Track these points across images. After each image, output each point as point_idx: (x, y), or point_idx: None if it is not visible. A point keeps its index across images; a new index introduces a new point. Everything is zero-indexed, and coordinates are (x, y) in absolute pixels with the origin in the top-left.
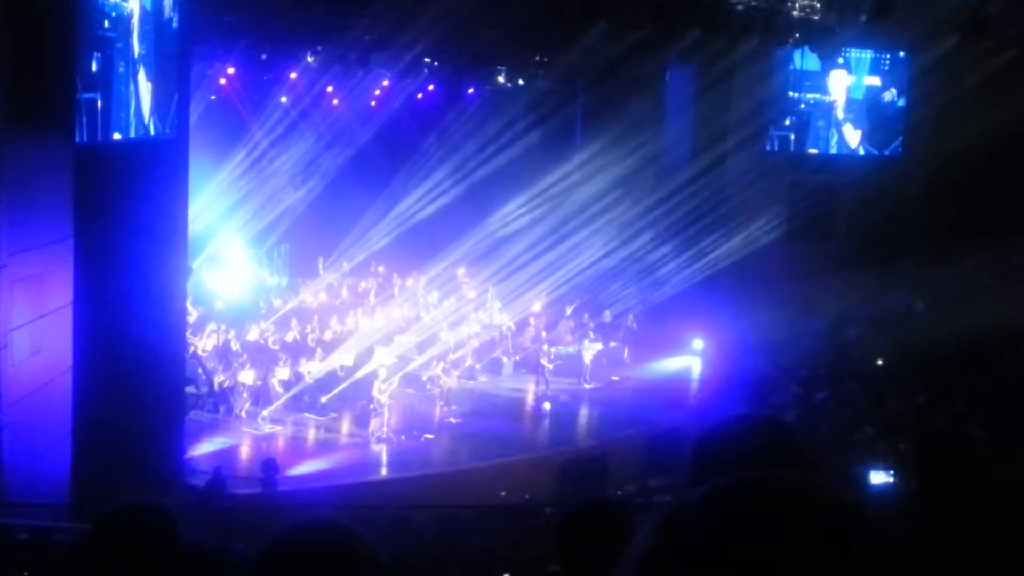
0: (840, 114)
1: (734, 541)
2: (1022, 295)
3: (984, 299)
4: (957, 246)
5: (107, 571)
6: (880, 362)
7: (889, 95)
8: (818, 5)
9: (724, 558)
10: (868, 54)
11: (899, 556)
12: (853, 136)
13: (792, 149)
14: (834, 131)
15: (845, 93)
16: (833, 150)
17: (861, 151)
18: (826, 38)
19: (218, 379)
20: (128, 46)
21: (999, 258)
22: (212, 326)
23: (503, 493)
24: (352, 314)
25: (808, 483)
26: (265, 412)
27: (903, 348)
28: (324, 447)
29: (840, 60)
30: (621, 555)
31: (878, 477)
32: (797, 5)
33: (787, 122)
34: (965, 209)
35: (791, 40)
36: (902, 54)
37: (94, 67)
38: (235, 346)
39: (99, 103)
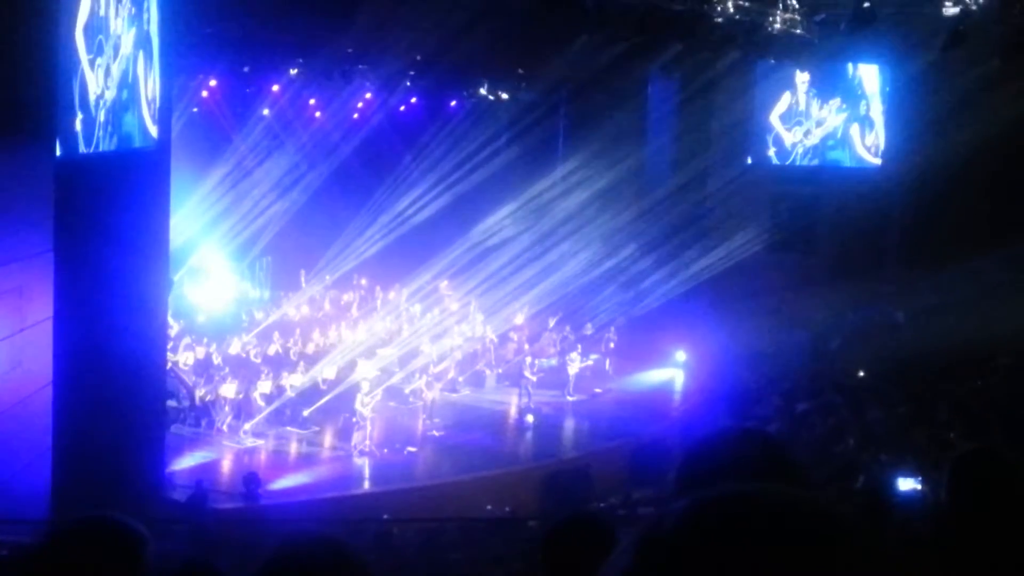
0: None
1: (714, 554)
2: (1001, 306)
3: (965, 310)
4: (938, 258)
5: None
6: (862, 373)
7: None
8: (799, 19)
9: (704, 571)
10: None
11: (888, 568)
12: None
13: (774, 162)
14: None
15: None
16: (815, 162)
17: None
18: (806, 51)
19: (200, 393)
20: (109, 58)
21: (980, 270)
22: (187, 340)
23: (489, 507)
24: (334, 327)
25: (791, 495)
26: (247, 426)
27: (885, 359)
28: (306, 461)
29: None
30: (602, 568)
31: (906, 484)
32: (778, 19)
33: (770, 139)
34: (946, 221)
35: (772, 53)
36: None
37: (75, 79)
38: (217, 359)
39: (80, 115)
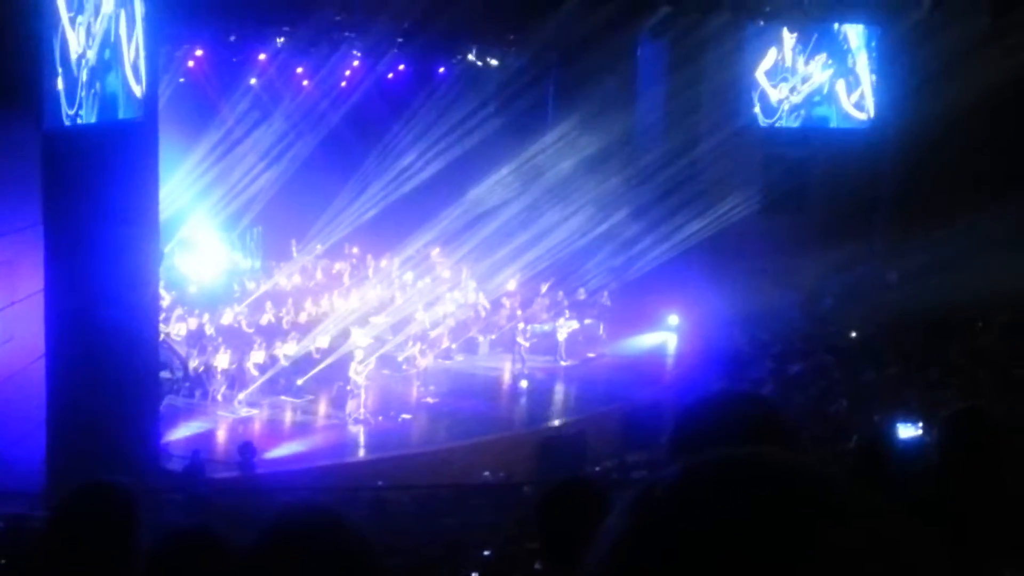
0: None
1: (709, 518)
2: (994, 264)
3: (957, 269)
4: (929, 217)
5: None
6: (854, 334)
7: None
8: None
9: (699, 535)
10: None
11: (887, 529)
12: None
13: (760, 120)
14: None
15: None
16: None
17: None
18: (796, 12)
19: (193, 363)
20: (91, 16)
21: (970, 228)
22: (179, 311)
23: (486, 473)
24: (327, 296)
25: (786, 459)
26: (241, 396)
27: (877, 319)
28: (301, 429)
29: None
30: (597, 532)
31: (906, 431)
32: None
33: (756, 96)
34: (936, 180)
35: (762, 14)
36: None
37: (60, 52)
38: (209, 330)
39: (66, 88)
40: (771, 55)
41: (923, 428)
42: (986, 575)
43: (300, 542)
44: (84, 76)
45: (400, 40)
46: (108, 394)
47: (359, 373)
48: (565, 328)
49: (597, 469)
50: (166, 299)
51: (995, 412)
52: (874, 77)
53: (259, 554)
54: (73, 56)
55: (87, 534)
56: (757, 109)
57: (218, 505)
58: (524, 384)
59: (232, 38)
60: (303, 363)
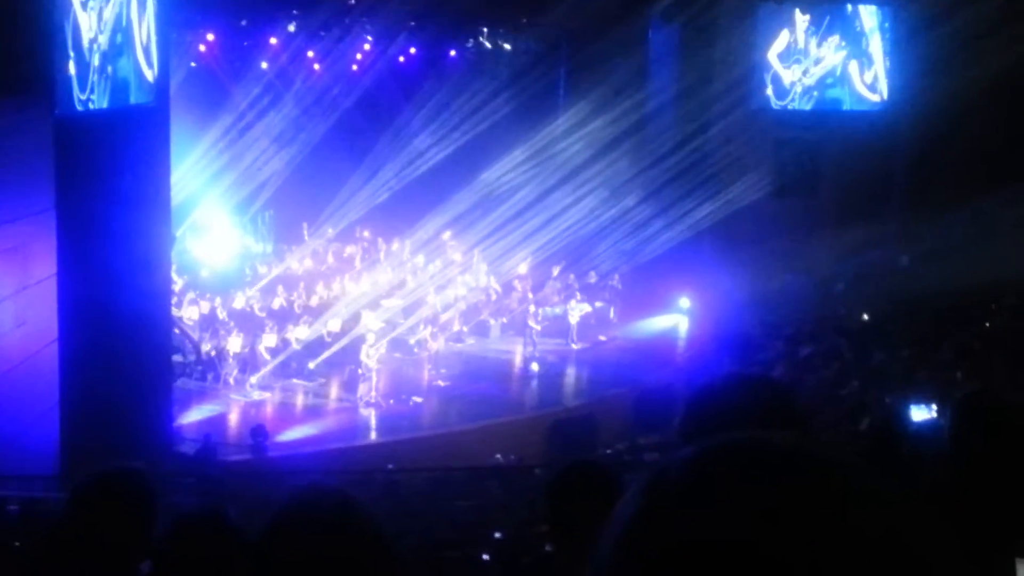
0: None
1: (721, 502)
2: (1005, 247)
3: (968, 252)
4: (941, 199)
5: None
6: (866, 316)
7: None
8: None
9: (712, 519)
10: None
11: (899, 516)
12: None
13: (772, 102)
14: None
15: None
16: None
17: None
18: None
19: (205, 347)
20: (106, 13)
21: (983, 211)
22: (191, 295)
23: (498, 456)
24: (338, 280)
25: (799, 443)
26: (253, 379)
27: (889, 302)
28: (313, 412)
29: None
30: (609, 515)
31: (920, 413)
32: None
33: (768, 78)
34: (949, 163)
35: None
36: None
37: (72, 36)
38: (221, 314)
39: (78, 72)
40: (783, 37)
41: (937, 410)
42: (998, 561)
43: (311, 524)
44: (96, 61)
45: (411, 24)
46: (121, 378)
47: (371, 356)
48: (577, 311)
49: (608, 452)
50: (178, 283)
51: (1008, 394)
52: (887, 59)
53: (271, 536)
54: (85, 41)
55: (105, 520)
56: (769, 91)
57: (230, 488)
58: (535, 367)
59: (243, 22)
60: (315, 346)
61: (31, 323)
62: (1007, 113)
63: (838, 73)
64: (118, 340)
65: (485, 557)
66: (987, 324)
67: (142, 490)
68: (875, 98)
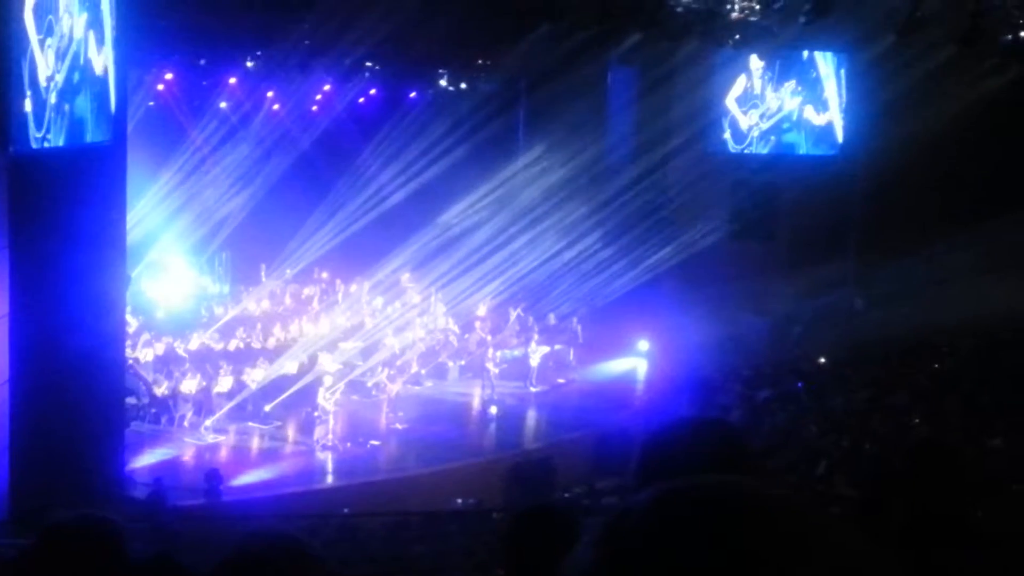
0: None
1: (677, 548)
2: (959, 291)
3: (923, 296)
4: (896, 244)
5: None
6: (823, 360)
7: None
8: (757, 7)
9: (668, 566)
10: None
11: (850, 562)
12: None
13: (730, 146)
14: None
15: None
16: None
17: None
18: (765, 40)
19: (159, 389)
20: (60, 39)
21: (938, 255)
22: (146, 336)
23: (459, 500)
24: (296, 321)
25: (753, 487)
26: (208, 422)
27: (845, 345)
28: (269, 456)
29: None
30: (564, 561)
31: None
32: (736, 7)
33: (726, 123)
34: (904, 208)
35: (731, 42)
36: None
37: (29, 74)
38: (180, 351)
39: (34, 110)
40: (741, 82)
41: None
42: None
43: (260, 571)
44: (53, 99)
45: (371, 65)
46: (72, 420)
47: (328, 399)
48: (538, 353)
49: (567, 495)
50: (133, 324)
51: (959, 440)
52: (843, 104)
53: None
54: (42, 79)
55: (73, 570)
56: (727, 135)
57: (183, 534)
58: (494, 410)
59: (202, 62)
60: (271, 389)
61: None
62: (961, 158)
63: (794, 118)
64: (70, 381)
65: None
66: (941, 366)
67: (112, 539)
68: (831, 143)
